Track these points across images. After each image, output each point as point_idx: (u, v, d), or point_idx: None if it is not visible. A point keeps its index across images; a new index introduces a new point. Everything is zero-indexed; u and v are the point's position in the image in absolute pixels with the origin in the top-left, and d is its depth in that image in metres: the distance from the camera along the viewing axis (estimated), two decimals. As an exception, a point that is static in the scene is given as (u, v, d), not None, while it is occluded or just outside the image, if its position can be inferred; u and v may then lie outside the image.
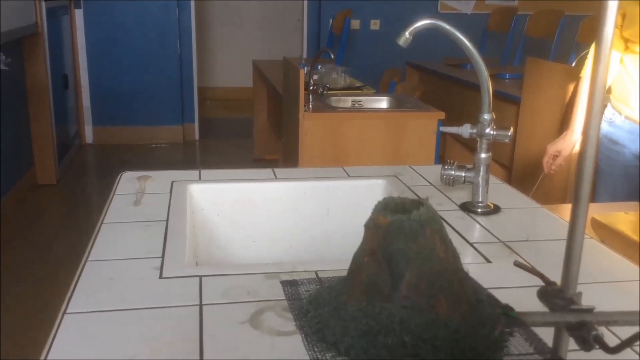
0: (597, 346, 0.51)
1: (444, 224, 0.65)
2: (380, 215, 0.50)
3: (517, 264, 0.60)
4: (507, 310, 0.52)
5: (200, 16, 6.68)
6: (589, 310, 0.54)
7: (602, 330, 0.53)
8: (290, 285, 0.56)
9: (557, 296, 0.55)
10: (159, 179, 1.41)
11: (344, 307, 0.47)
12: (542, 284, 0.60)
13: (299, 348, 0.74)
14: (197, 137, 5.77)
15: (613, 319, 0.54)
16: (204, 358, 0.72)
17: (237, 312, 0.83)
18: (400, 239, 0.47)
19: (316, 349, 0.46)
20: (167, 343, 0.75)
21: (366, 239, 0.51)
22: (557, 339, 0.55)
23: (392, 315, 0.45)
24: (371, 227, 0.51)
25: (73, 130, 5.14)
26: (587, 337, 0.52)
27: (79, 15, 5.20)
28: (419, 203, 0.51)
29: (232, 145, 5.63)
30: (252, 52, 7.05)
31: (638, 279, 0.98)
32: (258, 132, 4.93)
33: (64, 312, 0.82)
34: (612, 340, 0.52)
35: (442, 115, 2.83)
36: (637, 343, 0.49)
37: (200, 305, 0.85)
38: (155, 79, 5.45)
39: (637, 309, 0.55)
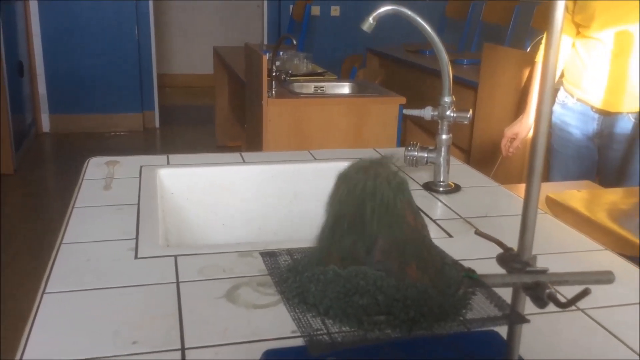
0: (551, 303, 0.57)
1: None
2: (353, 174, 0.53)
3: (478, 233, 0.65)
4: (469, 273, 0.57)
5: (158, 2, 6.59)
6: (543, 272, 0.59)
7: (554, 289, 0.59)
8: (269, 256, 0.59)
9: (514, 260, 0.60)
10: (127, 164, 1.42)
11: (322, 272, 0.51)
12: (500, 252, 0.66)
13: (275, 319, 0.78)
14: (157, 124, 5.71)
15: (564, 279, 0.60)
16: (184, 331, 0.76)
17: (213, 288, 0.86)
18: (373, 207, 0.52)
19: (297, 310, 0.50)
20: (148, 318, 0.78)
21: (336, 188, 0.55)
22: (515, 297, 0.60)
23: (367, 278, 0.50)
24: (342, 179, 0.54)
25: (29, 119, 5.03)
26: (541, 295, 0.57)
27: (33, 1, 5.07)
28: (387, 166, 0.55)
29: (194, 133, 5.60)
30: (211, 38, 6.99)
31: (587, 249, 1.05)
32: (220, 119, 4.92)
33: (43, 292, 0.84)
34: (563, 298, 0.57)
35: (402, 100, 2.90)
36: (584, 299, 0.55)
37: (177, 283, 0.88)
38: (113, 66, 5.37)
39: (585, 271, 0.61)
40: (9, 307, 2.53)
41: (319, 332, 0.47)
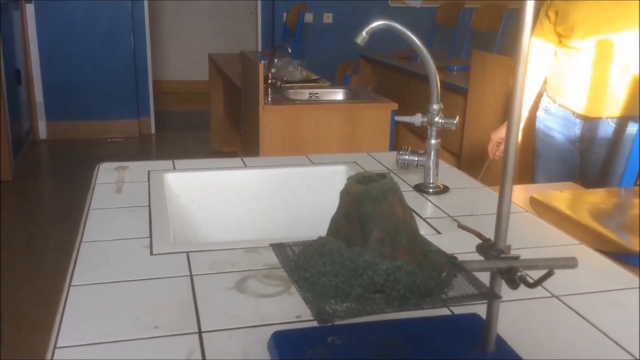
0: (521, 284, 0.66)
1: (401, 197, 0.80)
2: (353, 185, 0.63)
3: (460, 226, 0.75)
4: (452, 259, 0.66)
5: (153, 9, 6.68)
6: (515, 258, 0.68)
7: (525, 273, 0.68)
8: (278, 247, 0.69)
9: (491, 248, 0.70)
10: (136, 169, 1.51)
11: (328, 258, 0.60)
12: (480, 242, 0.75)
13: (280, 307, 0.87)
14: (153, 130, 5.79)
15: (534, 264, 0.69)
16: (200, 317, 0.84)
17: (224, 280, 0.95)
18: (369, 204, 0.61)
19: (304, 289, 0.59)
20: (167, 306, 0.87)
21: (341, 204, 0.64)
22: (492, 280, 0.69)
23: (365, 262, 0.59)
24: (345, 195, 0.64)
25: (26, 126, 5.10)
26: (513, 278, 0.67)
27: (29, 9, 5.15)
28: (382, 176, 0.64)
29: (189, 138, 5.68)
30: (205, 45, 7.08)
31: (564, 244, 1.15)
32: (215, 125, 5.01)
33: (70, 285, 0.93)
34: (532, 280, 0.66)
35: (395, 106, 2.99)
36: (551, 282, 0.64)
37: (191, 276, 0.97)
38: (109, 73, 5.45)
39: (552, 257, 0.70)
40: (7, 309, 2.60)
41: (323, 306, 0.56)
